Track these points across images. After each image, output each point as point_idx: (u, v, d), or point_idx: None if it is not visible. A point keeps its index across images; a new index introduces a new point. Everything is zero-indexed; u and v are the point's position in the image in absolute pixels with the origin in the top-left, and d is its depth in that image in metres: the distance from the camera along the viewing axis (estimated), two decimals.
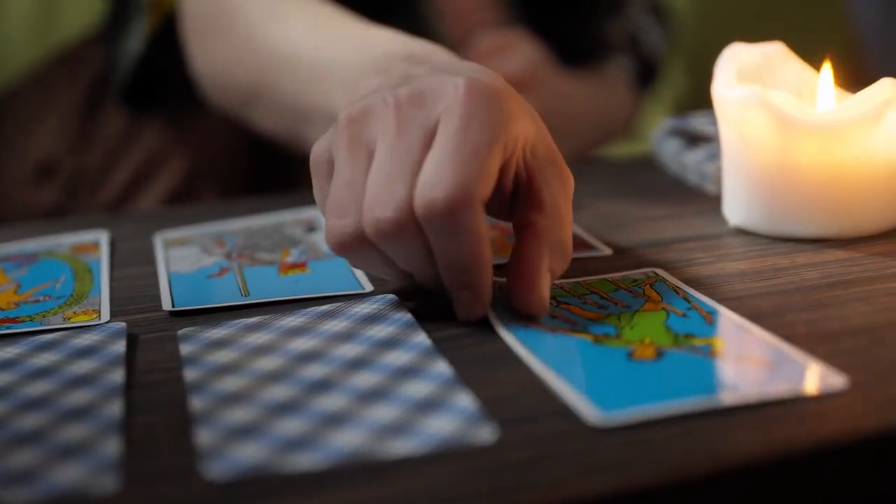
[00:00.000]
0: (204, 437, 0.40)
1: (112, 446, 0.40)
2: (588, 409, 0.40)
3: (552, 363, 0.44)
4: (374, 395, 0.42)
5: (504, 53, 0.89)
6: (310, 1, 0.70)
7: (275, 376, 0.44)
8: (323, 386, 0.43)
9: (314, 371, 0.44)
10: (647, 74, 1.06)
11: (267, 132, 0.74)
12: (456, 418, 0.40)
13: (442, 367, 0.44)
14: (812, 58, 0.62)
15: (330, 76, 0.61)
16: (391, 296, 0.52)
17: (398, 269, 0.49)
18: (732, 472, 0.37)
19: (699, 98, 1.30)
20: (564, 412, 0.41)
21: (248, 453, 0.38)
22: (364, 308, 0.51)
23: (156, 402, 0.44)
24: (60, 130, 0.96)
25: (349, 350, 0.46)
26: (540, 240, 0.49)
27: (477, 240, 0.46)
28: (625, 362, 0.44)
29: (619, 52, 1.02)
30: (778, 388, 0.41)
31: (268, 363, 0.45)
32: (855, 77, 0.66)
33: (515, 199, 0.50)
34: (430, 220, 0.45)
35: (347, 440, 0.39)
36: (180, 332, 0.50)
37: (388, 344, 0.47)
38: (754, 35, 0.63)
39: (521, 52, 0.90)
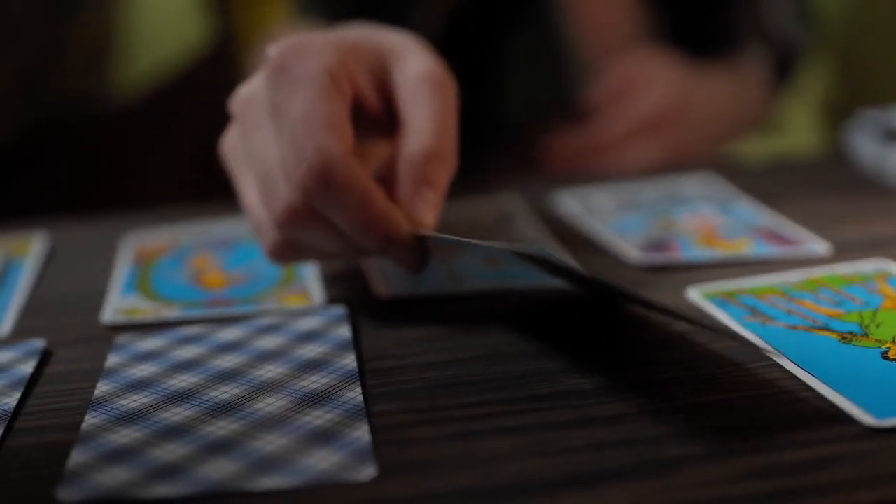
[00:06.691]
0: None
1: (364, 433, 0.39)
2: (862, 412, 0.38)
3: (803, 362, 0.42)
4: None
5: (639, 87, 0.87)
6: None
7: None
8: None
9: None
10: (783, 65, 1.02)
11: None
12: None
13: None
14: None
15: None
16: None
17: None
18: None
19: (854, 98, 1.26)
20: (833, 413, 0.39)
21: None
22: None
23: (390, 391, 0.43)
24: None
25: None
26: (398, 161, 0.48)
27: (359, 194, 0.45)
28: (881, 363, 0.42)
29: (753, 42, 0.99)
30: None
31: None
32: None
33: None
34: (312, 195, 0.45)
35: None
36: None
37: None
38: None
39: (657, 85, 0.87)
